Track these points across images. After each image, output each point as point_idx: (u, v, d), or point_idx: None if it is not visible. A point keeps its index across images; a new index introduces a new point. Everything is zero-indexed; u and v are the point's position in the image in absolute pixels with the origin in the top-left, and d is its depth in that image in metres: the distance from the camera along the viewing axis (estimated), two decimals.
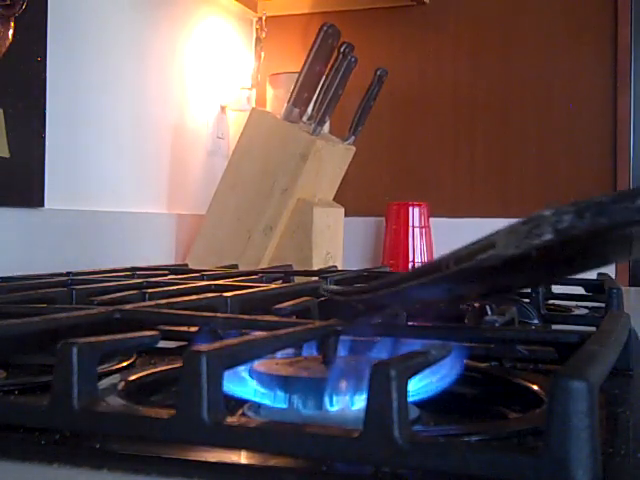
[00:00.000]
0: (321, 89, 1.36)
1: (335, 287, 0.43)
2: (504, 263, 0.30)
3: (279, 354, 0.41)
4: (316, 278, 0.84)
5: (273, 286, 0.81)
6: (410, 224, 1.66)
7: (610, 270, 1.58)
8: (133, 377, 0.41)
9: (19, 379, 0.44)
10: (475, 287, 0.42)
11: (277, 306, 0.53)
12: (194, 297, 0.60)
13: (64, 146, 1.19)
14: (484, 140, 1.74)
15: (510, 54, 1.72)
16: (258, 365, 0.39)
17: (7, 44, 0.98)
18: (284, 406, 0.37)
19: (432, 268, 0.33)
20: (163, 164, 1.49)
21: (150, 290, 0.65)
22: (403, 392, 0.28)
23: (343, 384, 0.36)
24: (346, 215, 1.50)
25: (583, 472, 0.25)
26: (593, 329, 0.42)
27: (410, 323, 0.57)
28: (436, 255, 1.68)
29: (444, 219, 1.73)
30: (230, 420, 0.29)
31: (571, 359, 0.30)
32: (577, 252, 0.31)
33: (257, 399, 0.38)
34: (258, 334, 0.39)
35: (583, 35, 1.67)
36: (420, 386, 0.38)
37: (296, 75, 1.34)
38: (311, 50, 1.32)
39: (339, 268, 1.16)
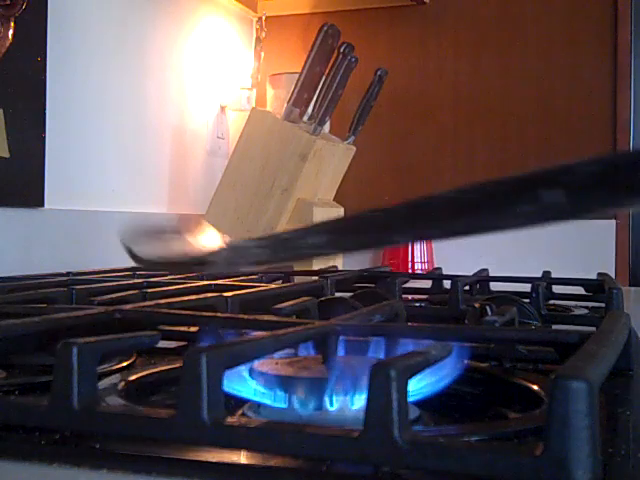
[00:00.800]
0: (321, 89, 1.36)
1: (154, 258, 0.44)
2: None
3: (279, 354, 0.41)
4: (316, 278, 0.84)
5: (273, 286, 0.81)
6: None
7: (610, 270, 1.58)
8: (133, 377, 0.41)
9: (19, 379, 0.44)
10: None
11: (277, 306, 0.53)
12: (194, 297, 0.60)
13: (64, 146, 1.19)
14: (484, 140, 1.74)
15: (510, 54, 1.72)
16: (258, 365, 0.39)
17: (7, 44, 0.98)
18: (284, 406, 0.37)
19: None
20: (163, 164, 1.49)
21: (150, 290, 0.65)
22: (403, 392, 0.28)
23: (343, 384, 0.37)
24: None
25: (583, 472, 0.25)
26: (593, 329, 0.42)
27: (410, 323, 0.57)
28: (436, 256, 1.68)
29: None
30: (230, 420, 0.29)
31: (571, 359, 0.30)
32: None
33: (257, 399, 0.38)
34: (258, 334, 0.39)
35: (583, 35, 1.67)
36: (420, 386, 0.38)
37: (296, 75, 1.34)
38: (311, 50, 1.32)
39: (339, 268, 1.16)
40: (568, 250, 1.64)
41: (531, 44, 1.71)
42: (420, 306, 0.79)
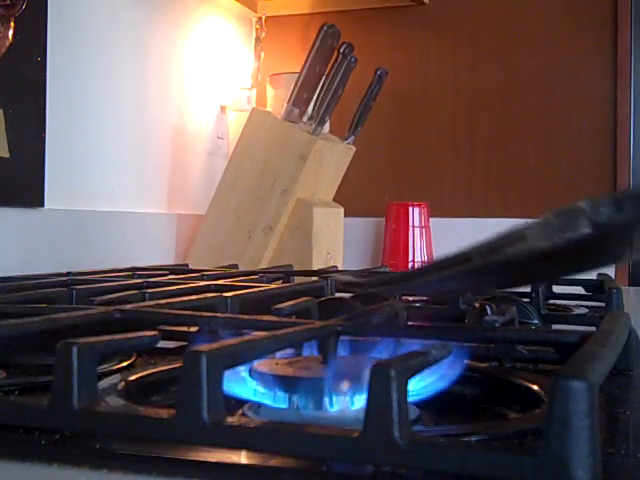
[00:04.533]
0: (321, 89, 1.36)
1: (350, 278, 0.42)
2: (533, 256, 0.29)
3: (279, 354, 0.41)
4: (316, 278, 0.84)
5: (273, 286, 0.81)
6: (410, 224, 1.66)
7: (610, 270, 1.58)
8: (133, 377, 0.41)
9: (19, 379, 0.44)
10: (498, 279, 0.40)
11: (277, 306, 0.53)
12: (194, 297, 0.60)
13: (64, 146, 1.19)
14: (484, 140, 1.74)
15: (510, 54, 1.72)
16: (258, 365, 0.39)
17: (7, 44, 0.98)
18: (284, 406, 0.37)
19: (456, 260, 0.32)
20: (163, 164, 1.49)
21: (150, 290, 0.65)
22: (403, 392, 0.28)
23: (343, 384, 0.36)
24: (346, 215, 1.50)
25: (583, 472, 0.25)
26: (593, 329, 0.42)
27: (410, 323, 0.57)
28: (435, 255, 1.67)
29: (444, 219, 1.73)
30: (230, 420, 0.29)
31: (571, 359, 0.30)
32: (594, 247, 0.30)
33: (257, 399, 0.38)
34: (258, 334, 0.39)
35: (583, 35, 1.67)
36: (420, 386, 0.38)
37: (296, 75, 1.34)
38: (311, 50, 1.32)
39: (339, 268, 1.16)
40: None
41: (531, 44, 1.71)
42: (420, 306, 0.79)
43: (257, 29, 1.75)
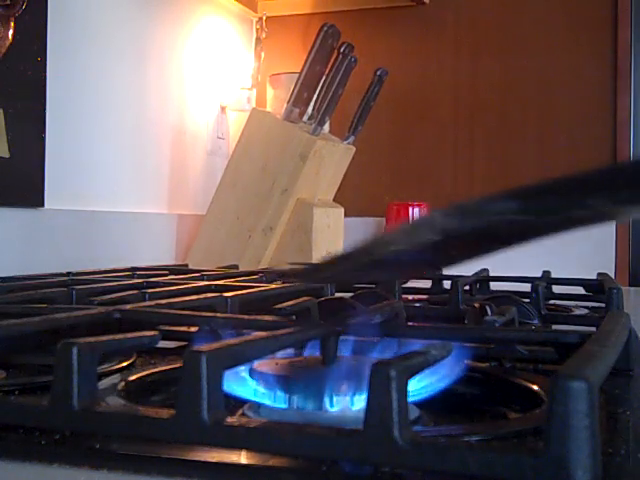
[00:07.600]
0: (321, 89, 1.36)
1: (278, 269, 0.44)
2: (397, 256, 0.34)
3: (279, 354, 0.41)
4: None
5: (273, 286, 0.81)
6: None
7: (610, 270, 1.58)
8: (133, 377, 0.41)
9: (19, 379, 0.44)
10: (386, 272, 0.47)
11: (277, 306, 0.53)
12: (194, 297, 0.60)
13: (64, 146, 1.19)
14: (484, 140, 1.74)
15: (510, 54, 1.72)
16: (258, 365, 0.39)
17: (7, 44, 0.98)
18: (284, 406, 0.37)
19: (356, 254, 0.38)
20: (163, 164, 1.49)
21: (150, 290, 0.65)
22: (403, 392, 0.28)
23: (343, 384, 0.37)
24: (346, 215, 1.50)
25: (583, 472, 0.25)
26: (593, 329, 0.42)
27: (410, 323, 0.57)
28: None
29: None
30: (230, 420, 0.29)
31: (571, 359, 0.30)
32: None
33: (257, 399, 0.38)
34: (258, 334, 0.39)
35: (583, 35, 1.67)
36: (420, 386, 0.38)
37: (296, 75, 1.34)
38: (311, 50, 1.32)
39: None
40: (568, 250, 1.64)
41: (531, 44, 1.71)
42: (420, 306, 0.79)
43: (257, 29, 1.75)
